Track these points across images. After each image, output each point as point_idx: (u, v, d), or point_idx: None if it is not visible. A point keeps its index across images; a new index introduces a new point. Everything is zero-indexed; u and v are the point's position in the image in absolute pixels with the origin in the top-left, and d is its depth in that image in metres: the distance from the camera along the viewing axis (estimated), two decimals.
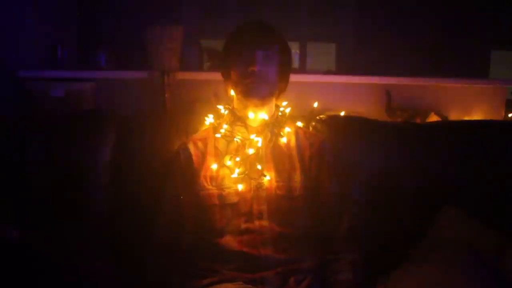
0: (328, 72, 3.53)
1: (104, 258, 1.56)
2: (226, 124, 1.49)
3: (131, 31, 2.42)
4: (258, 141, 1.44)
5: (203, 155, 1.46)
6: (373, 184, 1.65)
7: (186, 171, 1.45)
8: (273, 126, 1.49)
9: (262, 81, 1.41)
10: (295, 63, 4.43)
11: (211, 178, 1.43)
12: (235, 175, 1.41)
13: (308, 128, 1.70)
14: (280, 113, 1.52)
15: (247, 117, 1.46)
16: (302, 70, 4.50)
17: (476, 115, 2.44)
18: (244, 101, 1.45)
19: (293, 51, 1.52)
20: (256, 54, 1.39)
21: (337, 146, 1.61)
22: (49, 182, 1.56)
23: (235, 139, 1.46)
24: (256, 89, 1.42)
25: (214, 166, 1.43)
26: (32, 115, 1.79)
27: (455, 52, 4.27)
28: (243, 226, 1.38)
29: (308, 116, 1.79)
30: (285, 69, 1.49)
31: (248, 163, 1.43)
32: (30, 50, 2.29)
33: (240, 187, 1.40)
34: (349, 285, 1.36)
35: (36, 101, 2.04)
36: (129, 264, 1.52)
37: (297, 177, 1.44)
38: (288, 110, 1.55)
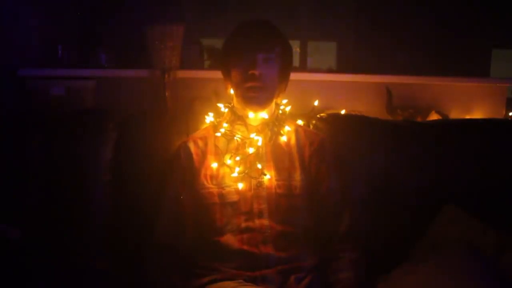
0: (329, 71, 3.53)
1: (105, 257, 1.56)
2: (226, 122, 1.49)
3: (131, 30, 2.41)
4: (258, 140, 1.44)
5: (204, 154, 1.46)
6: (373, 183, 1.65)
7: (187, 169, 1.45)
8: (273, 124, 1.49)
9: (262, 86, 1.40)
10: (296, 62, 4.43)
11: (212, 177, 1.43)
12: (235, 174, 1.41)
13: (309, 126, 1.70)
14: (280, 112, 1.52)
15: (247, 116, 1.47)
16: (303, 68, 4.49)
17: (477, 114, 2.44)
18: (244, 105, 1.45)
19: (293, 50, 1.52)
20: (257, 57, 1.38)
21: (337, 144, 1.61)
22: (49, 181, 1.56)
23: (235, 137, 1.46)
24: (256, 98, 1.42)
25: (215, 165, 1.43)
26: (32, 113, 1.78)
27: (456, 51, 4.26)
28: (243, 224, 1.38)
29: (309, 114, 1.80)
30: (286, 70, 1.48)
31: (248, 162, 1.43)
32: (30, 49, 2.28)
33: (240, 185, 1.41)
34: (350, 284, 1.36)
35: (37, 99, 2.04)
36: (129, 263, 1.52)
37: (297, 175, 1.44)
38: (288, 109, 1.55)
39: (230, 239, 1.37)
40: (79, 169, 1.58)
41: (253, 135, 1.45)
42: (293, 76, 1.53)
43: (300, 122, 1.63)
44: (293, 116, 1.59)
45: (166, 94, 2.10)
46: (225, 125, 1.49)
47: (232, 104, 1.51)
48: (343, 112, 2.05)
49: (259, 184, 1.42)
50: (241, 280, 1.32)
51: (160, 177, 1.52)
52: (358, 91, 2.38)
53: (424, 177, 1.67)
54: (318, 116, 1.74)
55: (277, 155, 1.47)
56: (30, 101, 2.04)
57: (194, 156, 1.46)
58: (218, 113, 1.55)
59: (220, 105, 1.55)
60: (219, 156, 1.45)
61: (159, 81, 2.10)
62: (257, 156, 1.44)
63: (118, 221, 1.60)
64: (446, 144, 1.73)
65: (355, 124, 1.76)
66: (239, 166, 1.42)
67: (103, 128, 1.64)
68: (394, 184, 1.66)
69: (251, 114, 1.46)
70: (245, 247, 1.36)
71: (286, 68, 1.47)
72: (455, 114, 2.42)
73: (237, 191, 1.41)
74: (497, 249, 1.44)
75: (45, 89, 2.04)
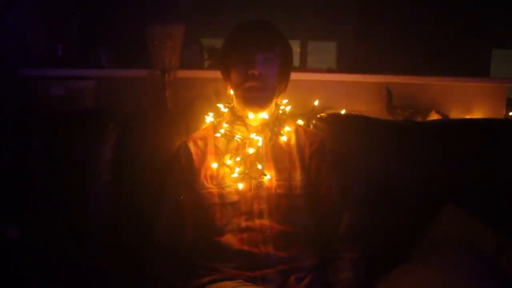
0: (329, 71, 3.52)
1: (105, 257, 1.56)
2: (226, 123, 1.49)
3: (131, 30, 2.41)
4: (258, 140, 1.44)
5: (204, 154, 1.46)
6: (373, 183, 1.65)
7: (187, 170, 1.45)
8: (273, 125, 1.49)
9: (262, 86, 1.40)
10: (296, 62, 4.42)
11: (212, 177, 1.43)
12: (235, 174, 1.41)
13: (309, 126, 1.70)
14: (280, 112, 1.52)
15: (247, 117, 1.46)
16: (303, 68, 4.49)
17: (477, 114, 2.44)
18: (243, 106, 1.45)
19: (293, 49, 1.51)
20: (256, 57, 1.38)
21: (337, 144, 1.62)
22: (50, 180, 1.56)
23: (235, 138, 1.46)
24: (256, 99, 1.41)
25: (215, 165, 1.43)
26: (33, 113, 1.79)
27: (456, 50, 4.26)
28: (244, 224, 1.38)
29: (309, 114, 1.80)
30: (286, 70, 1.48)
31: (248, 162, 1.43)
32: (30, 49, 2.28)
33: (241, 186, 1.41)
34: (350, 284, 1.36)
35: (37, 99, 2.04)
36: (129, 263, 1.52)
37: (297, 175, 1.44)
38: (288, 109, 1.55)
39: (230, 239, 1.37)
40: (79, 169, 1.58)
41: (253, 135, 1.45)
42: (293, 76, 1.53)
43: (300, 122, 1.63)
44: (293, 116, 1.59)
45: (166, 94, 2.10)
46: (225, 125, 1.49)
47: (232, 104, 1.51)
48: (343, 112, 2.05)
49: (259, 184, 1.42)
50: (241, 280, 1.32)
51: (160, 177, 1.52)
52: (358, 91, 2.38)
53: (424, 177, 1.68)
54: (318, 116, 1.74)
55: (277, 155, 1.46)
56: (30, 101, 2.04)
57: (194, 156, 1.45)
58: (218, 113, 1.55)
59: (220, 105, 1.55)
60: (219, 156, 1.45)
61: (159, 81, 2.10)
62: (257, 156, 1.44)
63: (118, 221, 1.60)
64: (446, 144, 1.73)
65: (355, 124, 1.76)
66: (239, 167, 1.42)
67: (103, 128, 1.64)
68: (394, 184, 1.66)
69: (251, 115, 1.46)
70: (245, 247, 1.36)
71: (286, 68, 1.47)
72: (455, 114, 2.41)
73: (237, 191, 1.41)
74: (497, 249, 1.44)
75: (45, 89, 2.04)
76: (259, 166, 1.42)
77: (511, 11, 4.33)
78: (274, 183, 1.42)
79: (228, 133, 1.47)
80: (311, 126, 1.71)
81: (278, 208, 1.40)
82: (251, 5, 3.91)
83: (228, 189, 1.41)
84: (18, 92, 2.07)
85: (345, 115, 1.93)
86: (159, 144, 1.63)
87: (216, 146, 1.47)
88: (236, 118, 1.48)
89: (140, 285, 1.42)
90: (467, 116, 2.42)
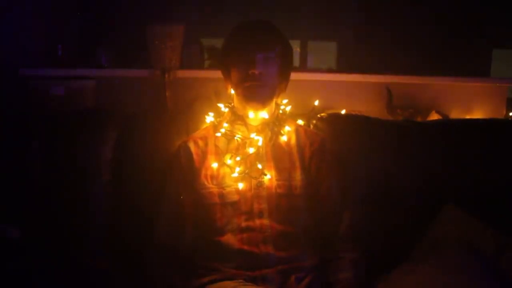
0: (329, 71, 3.52)
1: (105, 257, 1.56)
2: (226, 122, 1.49)
3: (132, 30, 2.41)
4: (259, 140, 1.44)
5: (204, 154, 1.46)
6: (373, 183, 1.65)
7: (187, 169, 1.45)
8: (274, 124, 1.49)
9: (262, 85, 1.40)
10: (296, 62, 4.43)
11: (212, 177, 1.43)
12: (235, 174, 1.41)
13: (309, 126, 1.70)
14: (280, 111, 1.52)
15: (247, 116, 1.46)
16: (303, 68, 4.49)
17: (477, 114, 2.44)
18: (244, 103, 1.45)
19: (293, 49, 1.52)
20: (256, 57, 1.38)
21: (337, 144, 1.62)
22: (49, 180, 1.56)
23: (235, 137, 1.46)
24: (256, 94, 1.41)
25: (215, 165, 1.43)
26: (32, 113, 1.79)
27: (456, 51, 4.26)
28: (244, 224, 1.38)
29: (309, 114, 1.80)
30: (286, 70, 1.48)
31: (248, 162, 1.43)
32: (30, 49, 2.28)
33: (241, 185, 1.41)
34: (350, 284, 1.36)
35: (37, 99, 2.04)
36: (129, 263, 1.52)
37: (298, 175, 1.44)
38: (288, 109, 1.55)
39: (230, 239, 1.37)
40: (79, 169, 1.58)
41: (253, 135, 1.45)
42: (294, 76, 1.53)
43: (300, 122, 1.63)
44: (293, 116, 1.59)
45: (166, 94, 2.10)
46: (225, 125, 1.49)
47: (232, 104, 1.51)
48: (343, 112, 2.05)
49: (260, 184, 1.42)
50: (241, 280, 1.32)
51: (160, 177, 1.52)
52: (358, 91, 2.38)
53: (424, 177, 1.67)
54: (318, 116, 1.74)
55: (278, 155, 1.46)
56: (30, 101, 2.04)
57: (194, 156, 1.45)
58: (218, 113, 1.55)
59: (221, 105, 1.55)
60: (220, 156, 1.45)
61: (159, 81, 2.10)
62: (258, 156, 1.44)
63: (118, 221, 1.60)
64: (446, 144, 1.73)
65: (355, 124, 1.76)
66: (239, 166, 1.42)
67: (103, 128, 1.64)
68: (394, 184, 1.66)
69: (251, 114, 1.46)
70: (245, 247, 1.36)
71: (286, 67, 1.47)
72: (455, 114, 2.42)
73: (238, 191, 1.41)
74: (497, 249, 1.44)
75: (45, 89, 2.04)
76: (259, 166, 1.42)
77: (511, 11, 4.33)
78: (274, 182, 1.42)
79: (228, 132, 1.47)
80: (311, 126, 1.71)
81: (278, 208, 1.40)
82: (251, 5, 3.91)
83: (228, 189, 1.41)
84: (18, 92, 2.07)
85: (345, 115, 1.93)
86: (159, 144, 1.63)
87: (216, 146, 1.47)
88: (237, 118, 1.48)
89: (140, 285, 1.42)
90: (467, 116, 2.42)
